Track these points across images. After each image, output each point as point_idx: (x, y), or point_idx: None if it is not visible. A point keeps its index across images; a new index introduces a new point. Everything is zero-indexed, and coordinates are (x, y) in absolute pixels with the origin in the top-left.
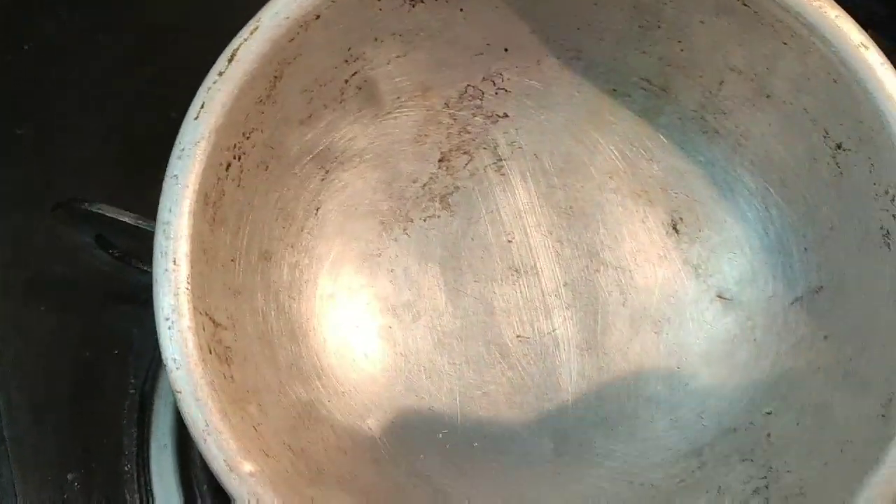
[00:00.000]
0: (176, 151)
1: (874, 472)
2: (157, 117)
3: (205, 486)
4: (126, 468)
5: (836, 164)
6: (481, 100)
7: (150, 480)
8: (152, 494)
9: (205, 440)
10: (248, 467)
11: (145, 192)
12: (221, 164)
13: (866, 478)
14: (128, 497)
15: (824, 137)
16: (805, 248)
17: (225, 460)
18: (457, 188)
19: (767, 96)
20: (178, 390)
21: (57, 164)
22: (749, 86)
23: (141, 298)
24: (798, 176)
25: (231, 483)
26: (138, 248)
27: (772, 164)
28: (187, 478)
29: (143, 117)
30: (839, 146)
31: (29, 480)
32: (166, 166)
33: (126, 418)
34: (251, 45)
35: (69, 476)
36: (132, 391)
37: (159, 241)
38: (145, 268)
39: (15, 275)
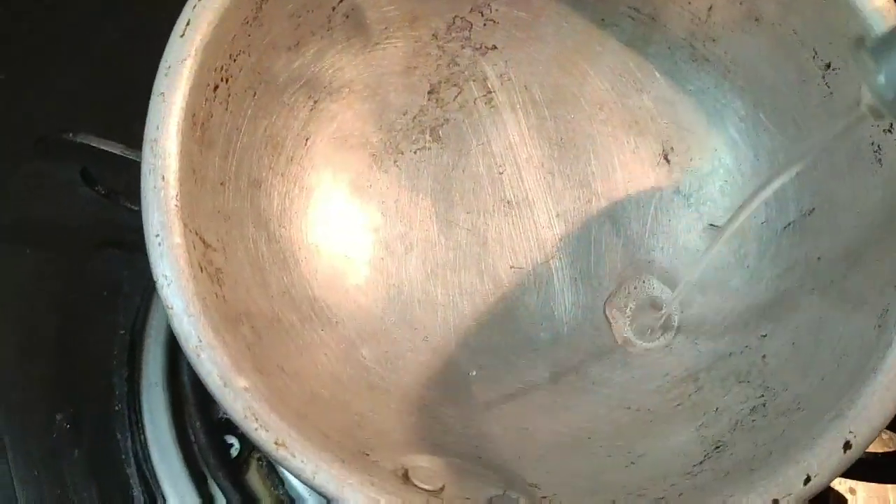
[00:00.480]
0: (162, 69)
1: (871, 380)
2: (143, 59)
3: (197, 423)
4: (116, 408)
5: (826, 83)
6: (469, 31)
7: (141, 419)
8: (144, 432)
9: (198, 355)
10: (242, 382)
11: (131, 128)
12: (209, 85)
13: (863, 386)
14: (119, 436)
15: (814, 58)
16: (796, 172)
17: (219, 375)
18: (447, 120)
19: (756, 19)
20: (170, 306)
21: (38, 103)
22: (738, 10)
23: (130, 241)
24: (788, 99)
25: (226, 398)
26: (125, 185)
27: (762, 88)
28: (179, 415)
29: (128, 58)
30: (828, 66)
31: (15, 421)
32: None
33: (116, 359)
34: None
35: (58, 416)
36: (122, 332)
37: (147, 159)
38: (133, 206)
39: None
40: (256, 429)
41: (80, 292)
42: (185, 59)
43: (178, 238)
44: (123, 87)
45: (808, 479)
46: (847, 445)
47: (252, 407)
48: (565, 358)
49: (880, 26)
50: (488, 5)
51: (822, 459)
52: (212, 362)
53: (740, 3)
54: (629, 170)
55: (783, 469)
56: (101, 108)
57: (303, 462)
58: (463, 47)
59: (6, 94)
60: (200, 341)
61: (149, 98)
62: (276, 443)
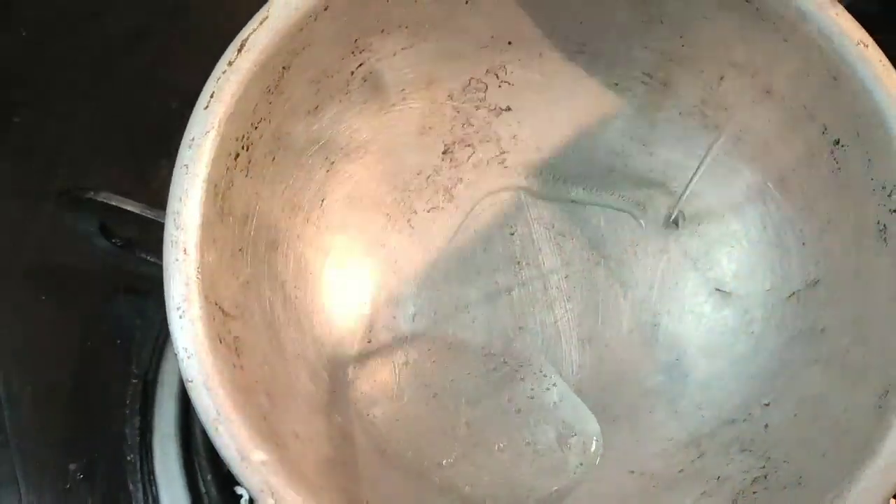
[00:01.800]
0: (186, 141)
1: (871, 462)
2: (156, 106)
3: (209, 476)
4: (129, 458)
5: (835, 159)
6: (485, 92)
7: (153, 469)
8: (155, 483)
9: (216, 429)
10: (259, 456)
11: (147, 182)
12: (230, 154)
13: (863, 468)
14: (131, 486)
15: (823, 133)
16: (802, 243)
17: (237, 449)
18: (460, 180)
19: (767, 92)
20: (190, 379)
21: (55, 152)
22: (749, 81)
23: (143, 289)
24: (796, 171)
25: (243, 472)
26: (142, 238)
27: (770, 159)
28: (191, 467)
29: (142, 106)
30: (837, 142)
31: (31, 470)
32: (166, 156)
33: (129, 408)
34: (261, 35)
35: (71, 466)
36: (134, 381)
37: (169, 231)
38: (149, 257)
39: (15, 263)
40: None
41: (93, 340)
42: (209, 132)
43: (198, 311)
44: (141, 130)
45: None
46: None
47: (269, 481)
48: (571, 418)
49: (889, 106)
50: (504, 67)
51: None
52: (229, 435)
53: (752, 76)
54: (638, 232)
55: None
56: (120, 153)
57: None
58: (478, 108)
59: (23, 139)
60: (219, 414)
61: (164, 157)
62: None
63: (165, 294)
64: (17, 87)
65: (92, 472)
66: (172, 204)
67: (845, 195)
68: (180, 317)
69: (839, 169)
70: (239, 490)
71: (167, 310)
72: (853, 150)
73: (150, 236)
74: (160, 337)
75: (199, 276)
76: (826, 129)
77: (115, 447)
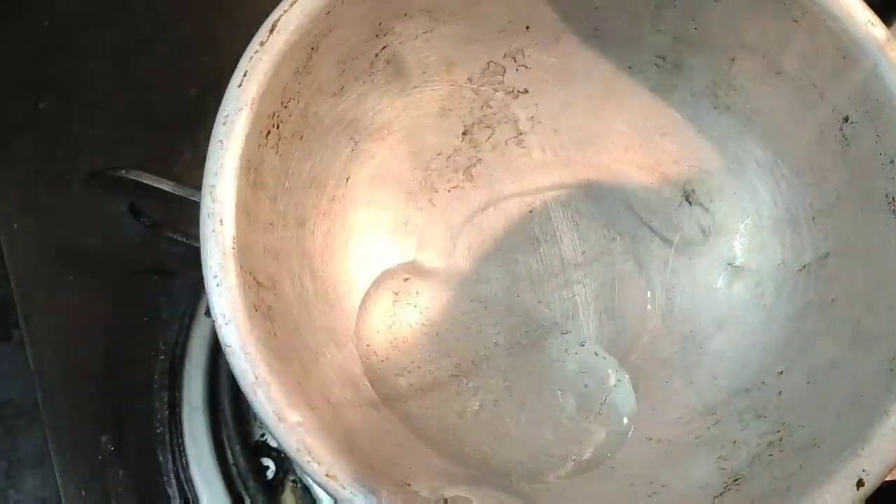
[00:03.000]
0: (220, 118)
1: (884, 421)
2: (178, 93)
3: (237, 446)
4: (158, 430)
5: (844, 136)
6: (503, 76)
7: (182, 442)
8: (185, 454)
9: (255, 392)
10: (296, 417)
11: (170, 167)
12: (262, 132)
13: (876, 427)
14: (161, 458)
15: (832, 111)
16: (813, 217)
17: (274, 411)
18: (479, 160)
19: (778, 72)
20: (228, 344)
21: (80, 137)
22: (760, 62)
23: (170, 268)
24: (806, 149)
25: (281, 433)
26: (169, 218)
27: (781, 137)
28: (219, 438)
29: (163, 94)
30: (846, 119)
31: (63, 444)
32: (188, 141)
33: (157, 382)
34: (291, 16)
35: (103, 438)
36: (162, 357)
37: (206, 203)
38: (176, 237)
39: (45, 244)
40: (309, 461)
41: (122, 318)
42: (242, 109)
43: (235, 279)
44: (163, 117)
45: None
46: (860, 483)
47: (304, 441)
48: (591, 388)
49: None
50: (521, 51)
51: (836, 496)
52: (267, 399)
53: (762, 57)
54: (652, 210)
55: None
56: (143, 139)
57: (352, 493)
58: (496, 91)
59: (51, 124)
60: (256, 378)
61: (185, 131)
62: (327, 475)
63: (203, 264)
64: (44, 73)
65: (123, 443)
66: (208, 178)
67: (854, 170)
68: (218, 285)
69: (848, 145)
70: (266, 461)
71: (205, 279)
72: (862, 126)
73: (178, 216)
74: (186, 315)
75: (235, 247)
76: (835, 107)
77: (145, 420)
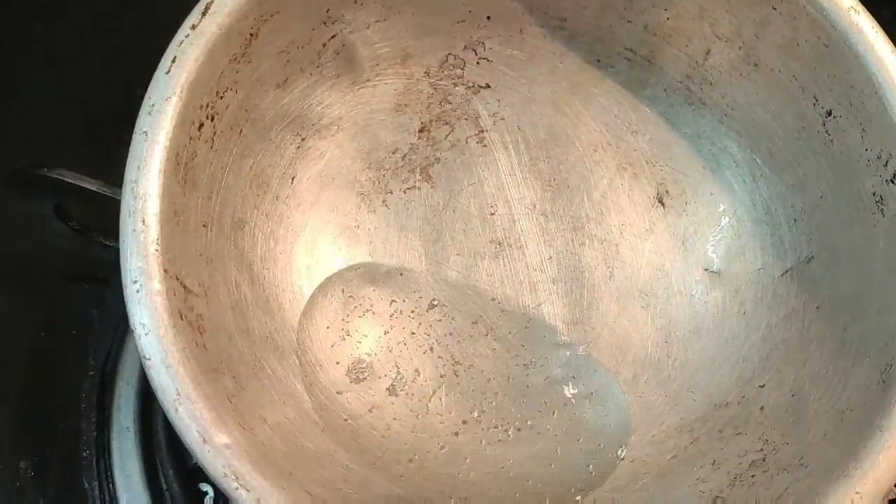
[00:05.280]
0: (146, 107)
1: (877, 439)
2: (121, 90)
3: (170, 471)
4: (85, 453)
5: (827, 131)
6: (462, 69)
7: (110, 465)
8: (112, 480)
9: (176, 410)
10: (223, 438)
11: (106, 165)
12: (193, 123)
13: (869, 445)
14: (86, 484)
15: (814, 104)
16: (794, 219)
17: (198, 431)
18: (437, 159)
19: (755, 64)
20: (148, 357)
21: (11, 134)
22: (736, 54)
23: (101, 276)
24: (787, 145)
25: (205, 455)
26: (100, 221)
27: (759, 134)
28: (151, 462)
29: (106, 90)
30: (829, 113)
31: None
32: (131, 135)
33: (85, 402)
34: None
35: (22, 464)
36: (91, 373)
37: (127, 201)
38: (107, 241)
39: None
40: (237, 488)
41: (48, 331)
42: (170, 97)
43: (157, 285)
44: (99, 119)
45: None
46: None
47: (232, 465)
48: (558, 402)
49: (882, 74)
50: (482, 43)
51: None
52: (191, 417)
53: (739, 48)
54: (623, 213)
55: None
56: (76, 141)
57: None
58: (455, 85)
59: None
60: (179, 394)
61: (124, 131)
62: (257, 502)
63: (122, 268)
64: None
65: (44, 469)
66: (130, 172)
67: (839, 167)
68: (137, 290)
69: (832, 141)
70: (204, 487)
71: (123, 284)
72: (846, 120)
73: (109, 219)
74: (120, 328)
75: (159, 249)
76: (817, 100)
77: (70, 443)
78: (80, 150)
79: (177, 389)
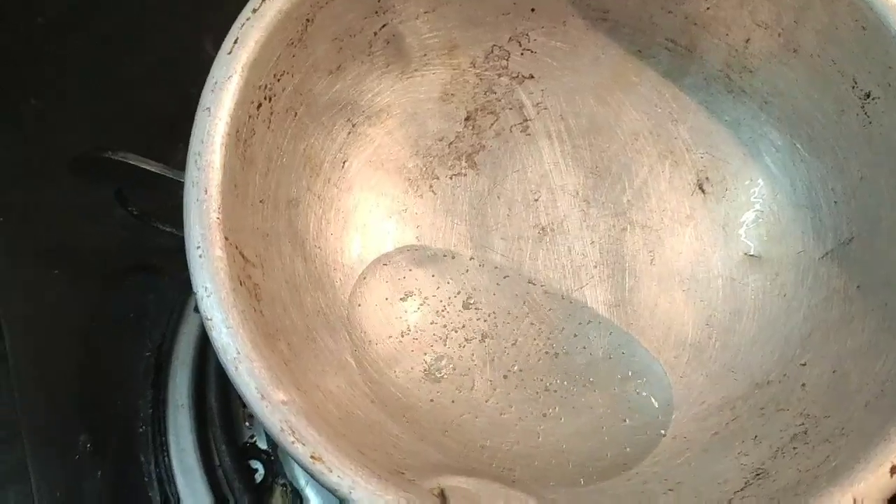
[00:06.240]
0: (209, 85)
1: None
2: (169, 92)
3: (223, 447)
4: (141, 430)
5: (866, 113)
6: (507, 60)
7: (166, 442)
8: (168, 454)
9: (236, 367)
10: (280, 395)
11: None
12: (253, 102)
13: None
14: (142, 458)
15: (853, 87)
16: (835, 202)
17: (257, 388)
18: (483, 147)
19: (794, 50)
20: (209, 317)
21: (71, 126)
22: (776, 41)
23: (158, 264)
24: (826, 129)
25: (263, 411)
26: (158, 207)
27: (799, 119)
28: (205, 437)
29: (157, 92)
30: (868, 95)
31: (38, 443)
32: (184, 140)
33: (142, 380)
34: None
35: (81, 438)
36: (147, 353)
37: (191, 172)
38: (164, 227)
39: (27, 238)
40: (293, 442)
41: (107, 315)
42: (232, 76)
43: (219, 251)
44: (157, 109)
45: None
46: (894, 469)
47: (289, 420)
48: (600, 381)
49: None
50: (526, 35)
51: (869, 484)
52: (250, 375)
53: (778, 35)
54: (664, 199)
55: (829, 494)
56: (135, 131)
57: (339, 477)
58: (500, 76)
59: (39, 119)
60: (238, 353)
61: (180, 121)
62: (312, 457)
63: (185, 236)
64: (37, 69)
65: (102, 444)
66: (194, 145)
67: (878, 149)
68: (200, 256)
69: (871, 122)
70: (254, 464)
71: (187, 251)
72: (885, 102)
73: (168, 207)
74: (174, 312)
75: (220, 217)
76: (856, 83)
77: (127, 419)
78: (137, 140)
79: (237, 349)
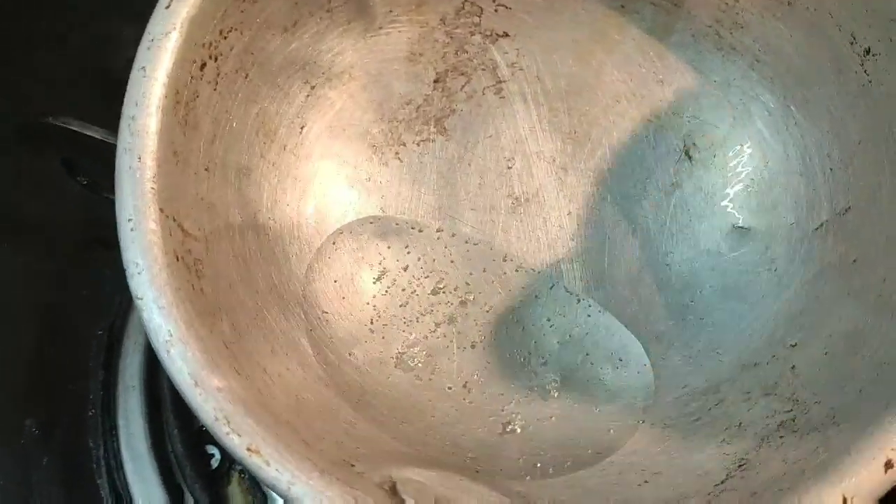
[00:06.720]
0: (144, 42)
1: None
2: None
3: (175, 431)
4: (90, 413)
5: (865, 71)
6: (480, 17)
7: (115, 425)
8: (117, 439)
9: (168, 351)
10: (215, 381)
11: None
12: (195, 62)
13: None
14: (91, 443)
15: (851, 43)
16: (831, 168)
17: (189, 373)
18: (453, 111)
19: (789, 4)
20: (139, 296)
21: (18, 91)
22: None
23: (112, 236)
24: (822, 89)
25: (195, 398)
26: (109, 178)
27: (793, 79)
28: (156, 422)
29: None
30: (868, 51)
31: None
32: None
33: (92, 361)
34: None
35: (27, 422)
36: (100, 332)
37: (123, 137)
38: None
39: None
40: (228, 433)
41: (59, 290)
42: (170, 33)
43: (152, 224)
44: (109, 73)
45: (844, 502)
46: (889, 464)
47: (225, 409)
48: (574, 364)
49: None
50: None
51: (861, 479)
52: (182, 359)
53: None
54: (647, 166)
55: (817, 490)
56: (86, 96)
57: (278, 471)
58: (472, 34)
59: None
60: (171, 336)
61: None
62: (248, 449)
63: (116, 206)
64: None
65: (49, 427)
66: (127, 108)
67: (878, 111)
68: (132, 229)
69: (870, 82)
70: (210, 449)
71: (118, 223)
72: (886, 58)
73: None
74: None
75: (155, 188)
76: (855, 38)
77: (76, 402)
78: (90, 105)
79: (169, 331)
